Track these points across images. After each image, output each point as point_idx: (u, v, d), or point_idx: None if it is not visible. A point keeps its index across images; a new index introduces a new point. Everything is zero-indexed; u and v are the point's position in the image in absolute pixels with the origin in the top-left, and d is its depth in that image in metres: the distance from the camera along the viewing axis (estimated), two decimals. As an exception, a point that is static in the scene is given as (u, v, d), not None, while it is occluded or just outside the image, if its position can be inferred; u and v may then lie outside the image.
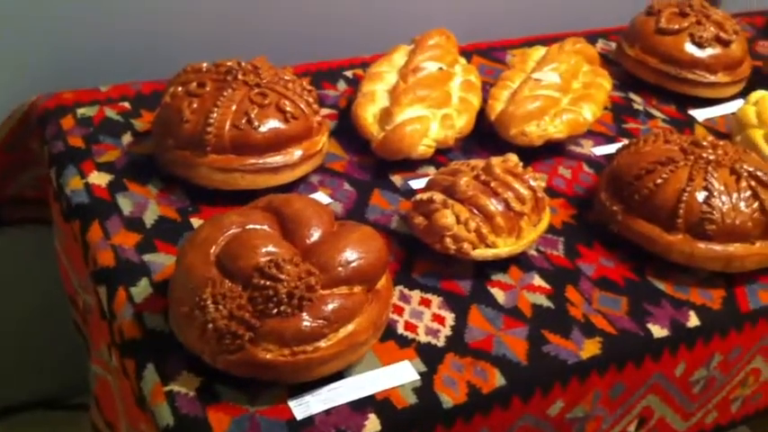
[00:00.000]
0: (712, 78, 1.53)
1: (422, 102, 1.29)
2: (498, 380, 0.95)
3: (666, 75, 1.53)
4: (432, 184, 1.13)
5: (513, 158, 1.15)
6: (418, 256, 1.10)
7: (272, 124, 1.14)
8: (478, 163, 1.13)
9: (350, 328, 0.89)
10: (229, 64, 1.19)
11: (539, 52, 1.49)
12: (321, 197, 1.18)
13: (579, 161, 1.35)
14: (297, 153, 1.16)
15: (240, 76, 1.17)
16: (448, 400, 0.91)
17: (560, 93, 1.37)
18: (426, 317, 1.01)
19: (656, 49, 1.53)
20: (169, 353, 0.91)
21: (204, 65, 1.20)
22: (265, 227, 0.94)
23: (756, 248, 1.12)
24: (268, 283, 0.86)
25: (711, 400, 1.13)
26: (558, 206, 1.23)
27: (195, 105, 1.13)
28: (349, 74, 1.49)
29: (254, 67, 1.20)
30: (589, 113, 1.37)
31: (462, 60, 1.46)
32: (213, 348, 0.86)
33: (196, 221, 1.11)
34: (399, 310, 1.02)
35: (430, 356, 0.96)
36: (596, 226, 1.20)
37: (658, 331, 1.04)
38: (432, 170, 1.26)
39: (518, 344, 0.99)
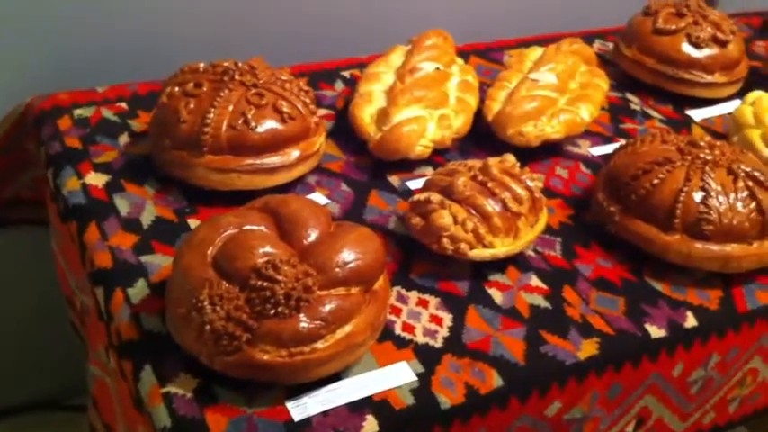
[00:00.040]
0: (709, 79, 1.53)
1: (419, 102, 1.29)
2: (496, 380, 0.95)
3: (663, 75, 1.53)
4: (429, 184, 1.13)
5: (510, 159, 1.15)
6: (416, 257, 1.10)
7: (269, 125, 1.14)
8: (476, 163, 1.13)
9: (347, 329, 0.89)
10: (226, 64, 1.19)
11: (536, 53, 1.49)
12: (318, 198, 1.18)
13: (576, 161, 1.35)
14: (294, 153, 1.16)
15: (237, 77, 1.17)
16: (446, 400, 0.91)
17: (557, 93, 1.37)
18: (424, 317, 1.01)
19: (654, 49, 1.53)
20: (166, 354, 0.91)
21: (201, 65, 1.20)
22: (262, 228, 0.94)
23: (753, 249, 1.12)
24: (265, 284, 0.86)
25: (709, 400, 1.13)
26: (555, 206, 1.23)
27: (192, 106, 1.13)
28: (346, 74, 1.49)
29: (251, 68, 1.19)
30: (586, 114, 1.37)
31: (459, 61, 1.46)
32: (210, 349, 0.86)
33: (193, 222, 1.10)
34: (397, 311, 1.01)
35: (427, 357, 0.96)
36: (593, 226, 1.20)
37: (656, 332, 1.04)
38: (429, 171, 1.26)
39: (516, 344, 0.99)
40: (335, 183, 1.22)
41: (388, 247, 1.10)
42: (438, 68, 1.36)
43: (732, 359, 1.11)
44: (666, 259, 1.13)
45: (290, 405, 0.88)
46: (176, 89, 1.16)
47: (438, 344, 0.98)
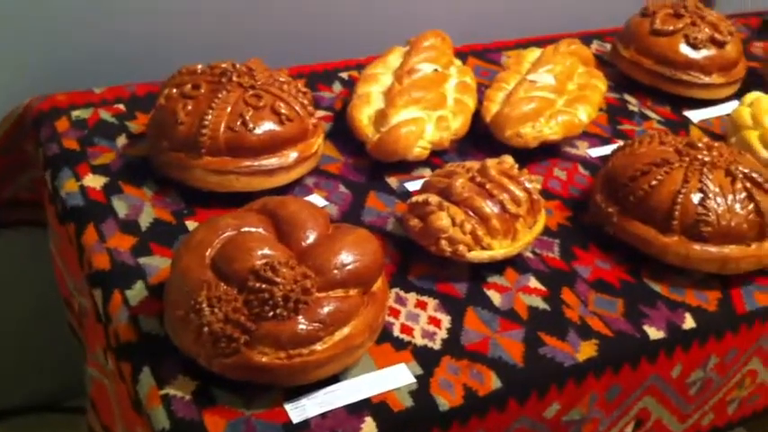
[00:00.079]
0: (707, 80, 1.53)
1: (417, 103, 1.29)
2: (494, 382, 0.95)
3: (661, 76, 1.53)
4: (427, 185, 1.13)
5: (508, 160, 1.15)
6: (414, 259, 1.10)
7: (267, 126, 1.14)
8: (474, 165, 1.13)
9: (346, 331, 0.89)
10: (224, 66, 1.19)
11: (534, 54, 1.50)
12: (316, 199, 1.18)
13: (574, 163, 1.35)
14: (292, 155, 1.16)
15: (235, 78, 1.17)
16: (444, 402, 0.91)
17: (555, 94, 1.37)
18: (422, 319, 1.01)
19: (651, 50, 1.53)
20: (165, 356, 0.90)
21: (199, 67, 1.20)
22: (260, 229, 0.94)
23: (752, 250, 1.12)
24: (263, 285, 0.86)
25: (708, 401, 1.13)
26: (553, 208, 1.23)
27: (190, 107, 1.13)
28: (344, 75, 1.49)
29: (249, 69, 1.19)
30: (584, 115, 1.37)
31: (457, 62, 1.46)
32: (209, 352, 0.86)
33: (191, 224, 1.10)
34: (395, 313, 1.01)
35: (426, 359, 0.96)
36: (592, 228, 1.20)
37: (654, 333, 1.04)
38: (427, 172, 1.26)
39: (514, 346, 0.99)
40: (334, 184, 1.22)
41: (387, 249, 1.10)
42: (436, 70, 1.36)
43: (731, 361, 1.11)
44: (665, 261, 1.13)
45: (288, 407, 0.88)
46: (174, 91, 1.16)
47: (436, 346, 0.98)
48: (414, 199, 1.10)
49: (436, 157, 1.30)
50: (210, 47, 1.43)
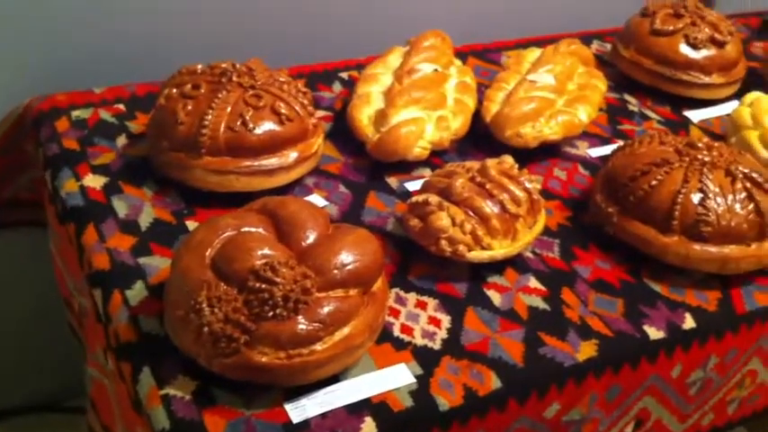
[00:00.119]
0: (707, 80, 1.53)
1: (417, 103, 1.29)
2: (494, 382, 0.95)
3: (661, 76, 1.53)
4: (427, 185, 1.13)
5: (508, 160, 1.15)
6: (414, 259, 1.10)
7: (267, 126, 1.14)
8: (474, 165, 1.13)
9: (346, 331, 0.89)
10: (224, 66, 1.19)
11: (534, 54, 1.49)
12: (316, 199, 1.18)
13: (574, 163, 1.35)
14: (292, 155, 1.16)
15: (235, 78, 1.17)
16: (444, 402, 0.91)
17: (555, 94, 1.37)
18: (422, 319, 1.01)
19: (651, 50, 1.53)
20: (165, 356, 0.90)
21: (199, 67, 1.20)
22: (260, 229, 0.94)
23: (752, 250, 1.12)
24: (263, 285, 0.86)
25: (708, 401, 1.13)
26: (553, 208, 1.23)
27: (190, 107, 1.13)
28: (344, 75, 1.49)
29: (249, 69, 1.19)
30: (584, 115, 1.37)
31: (457, 62, 1.46)
32: (209, 352, 0.86)
33: (191, 224, 1.10)
34: (395, 313, 1.01)
35: (426, 359, 0.96)
36: (592, 228, 1.20)
37: (654, 333, 1.04)
38: (427, 172, 1.26)
39: (514, 346, 0.99)
40: (334, 184, 1.22)
41: (387, 249, 1.10)
42: (436, 70, 1.36)
43: (731, 360, 1.11)
44: (665, 261, 1.13)
45: (288, 407, 0.88)
46: (174, 91, 1.16)
47: (436, 346, 0.98)
48: (414, 199, 1.10)
49: (436, 157, 1.30)
50: (210, 47, 1.43)
